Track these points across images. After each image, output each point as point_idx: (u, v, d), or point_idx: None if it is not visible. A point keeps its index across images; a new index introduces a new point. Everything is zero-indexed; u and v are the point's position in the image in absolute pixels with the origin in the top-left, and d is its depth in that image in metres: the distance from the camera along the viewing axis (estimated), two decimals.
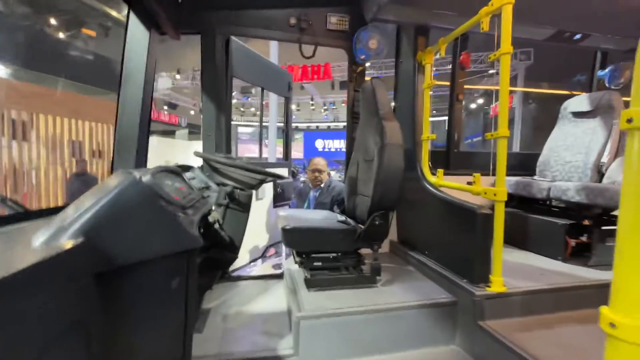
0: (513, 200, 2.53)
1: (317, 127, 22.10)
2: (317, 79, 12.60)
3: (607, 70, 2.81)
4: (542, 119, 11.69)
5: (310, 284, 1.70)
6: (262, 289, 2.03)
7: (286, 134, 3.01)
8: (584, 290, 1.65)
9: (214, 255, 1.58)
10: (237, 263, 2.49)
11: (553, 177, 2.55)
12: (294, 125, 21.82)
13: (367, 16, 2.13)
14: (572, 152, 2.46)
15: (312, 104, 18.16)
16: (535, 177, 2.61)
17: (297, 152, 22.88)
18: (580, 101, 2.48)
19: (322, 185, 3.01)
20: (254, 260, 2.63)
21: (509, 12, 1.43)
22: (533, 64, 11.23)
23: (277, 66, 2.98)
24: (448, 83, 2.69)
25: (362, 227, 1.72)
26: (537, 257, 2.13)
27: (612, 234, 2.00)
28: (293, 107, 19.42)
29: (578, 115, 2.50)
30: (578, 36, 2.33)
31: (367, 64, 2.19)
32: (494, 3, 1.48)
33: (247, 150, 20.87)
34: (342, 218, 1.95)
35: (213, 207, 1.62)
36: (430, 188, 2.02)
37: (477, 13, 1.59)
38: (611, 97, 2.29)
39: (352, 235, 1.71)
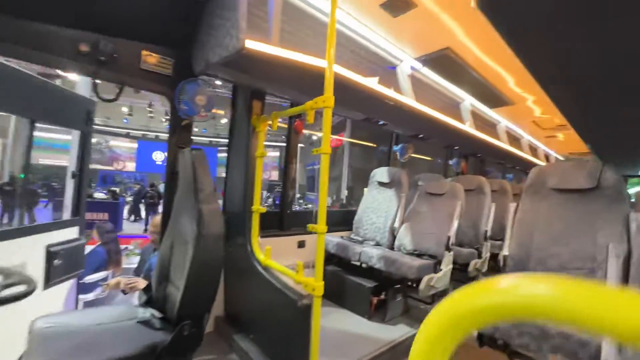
0: (334, 258, 2.78)
1: (157, 136, 19.11)
2: None
3: (399, 146, 3.65)
4: (364, 157, 14.61)
5: None
6: None
7: (79, 182, 2.20)
8: (382, 357, 1.91)
9: None
10: None
11: (364, 234, 2.99)
12: (125, 130, 17.97)
13: (195, 67, 1.84)
14: (377, 215, 2.98)
15: (151, 111, 15.59)
16: (352, 236, 3.00)
17: (129, 162, 19.02)
18: (383, 173, 3.07)
19: None
20: None
21: (329, 116, 1.50)
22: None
23: (68, 91, 2.17)
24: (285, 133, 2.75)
25: (170, 331, 1.35)
26: (351, 317, 2.37)
27: (400, 290, 2.48)
28: (124, 109, 16.00)
29: (381, 184, 3.08)
30: (381, 122, 2.89)
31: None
32: (317, 102, 1.53)
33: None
34: (147, 315, 1.51)
35: None
36: (258, 266, 1.89)
37: (309, 95, 1.61)
38: (401, 174, 2.94)
39: (150, 355, 1.31)
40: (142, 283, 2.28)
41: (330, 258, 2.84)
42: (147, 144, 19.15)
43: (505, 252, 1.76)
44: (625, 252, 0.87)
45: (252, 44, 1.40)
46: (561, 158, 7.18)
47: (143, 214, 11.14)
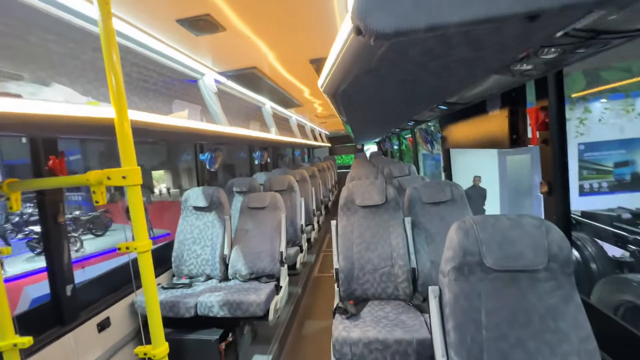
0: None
1: None
2: None
3: (206, 154, 3.25)
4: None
5: None
6: None
7: None
8: None
9: None
10: None
11: (189, 271, 2.56)
12: None
13: None
14: (201, 245, 2.60)
15: None
16: (175, 280, 2.48)
17: None
18: (198, 196, 2.65)
19: None
20: None
21: (137, 196, 1.01)
22: None
23: None
24: None
25: None
26: None
27: (246, 322, 2.37)
28: None
29: (198, 209, 2.66)
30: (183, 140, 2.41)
31: None
32: (112, 177, 0.99)
33: None
34: None
35: None
36: None
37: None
38: (220, 194, 2.65)
39: None
40: None
41: None
42: None
43: (336, 266, 2.03)
44: (439, 292, 1.20)
45: None
46: (327, 133, 9.16)
47: None
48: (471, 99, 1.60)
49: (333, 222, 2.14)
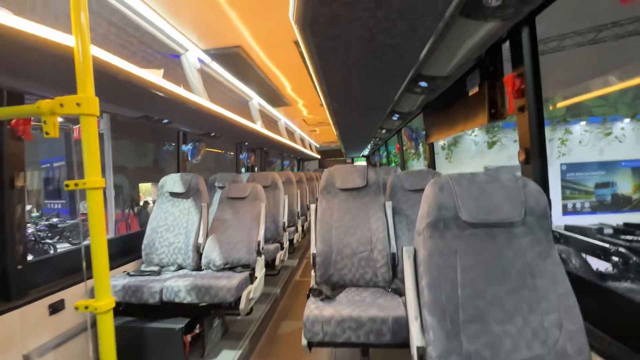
0: (121, 305, 2.05)
1: None
2: None
3: (189, 145, 3.19)
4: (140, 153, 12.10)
5: None
6: None
7: None
8: None
9: None
10: None
11: (160, 260, 2.41)
12: None
13: None
14: (174, 233, 2.47)
15: None
16: (143, 267, 2.33)
17: None
18: (175, 182, 2.56)
19: None
20: None
21: (92, 127, 0.95)
22: None
23: None
24: None
25: None
26: None
27: (216, 314, 2.21)
28: None
29: (174, 195, 2.56)
30: (166, 120, 2.35)
31: None
32: (65, 105, 0.92)
33: None
34: None
35: None
36: None
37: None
38: (199, 181, 2.56)
39: None
40: None
41: (116, 308, 2.07)
42: None
43: (313, 250, 1.94)
44: (413, 253, 1.14)
45: None
46: (317, 145, 9.21)
47: None
48: (450, 73, 1.61)
49: (312, 206, 2.07)
